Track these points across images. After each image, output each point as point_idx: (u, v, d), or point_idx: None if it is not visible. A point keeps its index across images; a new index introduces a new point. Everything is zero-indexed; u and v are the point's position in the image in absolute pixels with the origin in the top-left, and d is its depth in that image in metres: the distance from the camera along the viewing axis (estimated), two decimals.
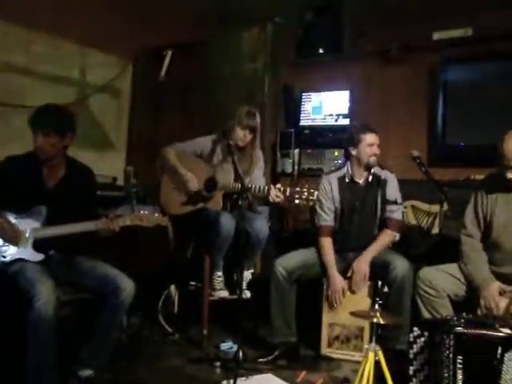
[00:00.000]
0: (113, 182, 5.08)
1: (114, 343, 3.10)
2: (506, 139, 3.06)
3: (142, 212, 3.07)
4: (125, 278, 3.00)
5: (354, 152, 3.78)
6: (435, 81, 4.80)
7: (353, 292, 3.65)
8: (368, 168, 3.78)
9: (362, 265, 3.62)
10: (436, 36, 4.78)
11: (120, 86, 5.87)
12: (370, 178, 3.79)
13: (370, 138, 3.74)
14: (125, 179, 5.41)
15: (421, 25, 4.78)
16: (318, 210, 3.84)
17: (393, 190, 3.73)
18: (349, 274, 3.67)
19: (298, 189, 3.47)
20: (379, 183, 3.74)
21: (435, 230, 4.16)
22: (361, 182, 3.82)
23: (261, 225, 3.94)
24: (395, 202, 3.67)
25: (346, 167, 3.87)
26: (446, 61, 4.73)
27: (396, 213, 3.71)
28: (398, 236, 3.77)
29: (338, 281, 3.65)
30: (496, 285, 3.13)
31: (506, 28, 4.37)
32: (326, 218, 3.81)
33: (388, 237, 3.70)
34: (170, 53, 5.14)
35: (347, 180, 3.84)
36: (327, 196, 3.82)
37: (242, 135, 3.99)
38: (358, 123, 4.08)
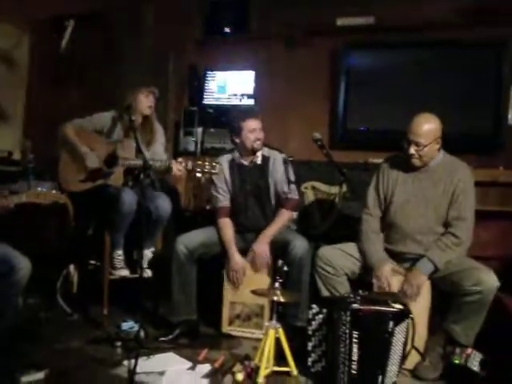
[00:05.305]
0: (8, 157, 4.90)
1: (9, 325, 2.98)
2: (414, 118, 3.17)
3: (38, 189, 2.95)
4: (21, 258, 2.88)
5: (237, 140, 3.76)
6: (337, 66, 4.95)
7: (256, 271, 3.70)
8: (254, 152, 3.78)
9: (262, 246, 3.66)
10: (339, 22, 4.91)
11: (16, 56, 5.58)
12: (259, 161, 3.81)
13: (250, 124, 3.70)
14: (21, 154, 5.19)
15: (325, 10, 4.88)
16: (214, 192, 3.85)
17: (282, 170, 3.71)
18: (248, 258, 3.69)
19: (199, 162, 3.48)
20: (267, 164, 3.78)
21: (334, 211, 4.30)
22: (249, 164, 3.81)
23: (163, 202, 3.94)
24: (289, 182, 3.67)
25: (235, 151, 3.87)
26: (349, 47, 4.89)
27: (290, 193, 3.73)
28: (295, 214, 3.85)
29: (237, 261, 3.69)
30: (389, 266, 3.25)
31: (405, 19, 4.61)
32: (222, 200, 3.82)
33: (285, 216, 3.74)
34: (72, 23, 4.93)
35: (236, 163, 3.84)
36: (220, 178, 3.81)
37: (146, 102, 4.02)
38: (238, 109, 4.08)
